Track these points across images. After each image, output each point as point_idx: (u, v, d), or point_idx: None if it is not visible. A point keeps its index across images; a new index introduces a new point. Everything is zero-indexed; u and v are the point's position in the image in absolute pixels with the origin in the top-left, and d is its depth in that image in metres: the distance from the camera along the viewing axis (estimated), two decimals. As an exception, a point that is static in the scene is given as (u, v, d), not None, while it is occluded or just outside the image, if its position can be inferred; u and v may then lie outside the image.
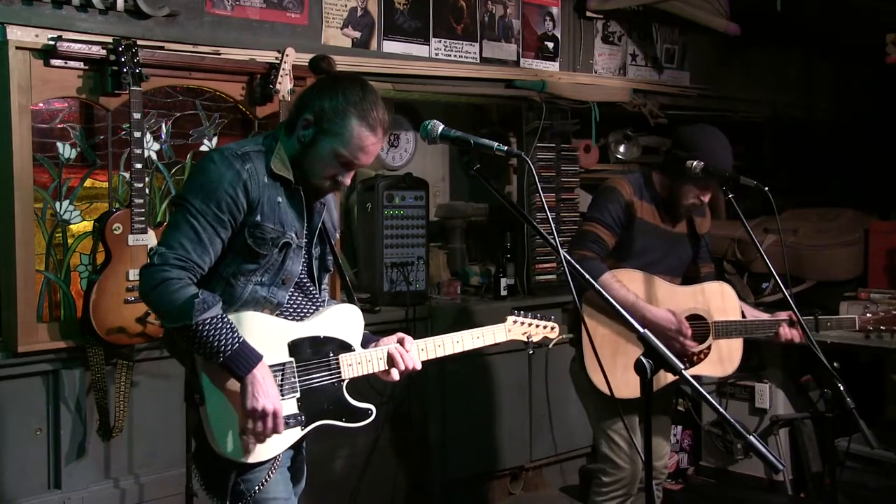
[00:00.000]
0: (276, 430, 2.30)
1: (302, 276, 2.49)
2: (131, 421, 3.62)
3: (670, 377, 3.26)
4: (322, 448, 4.10)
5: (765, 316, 3.42)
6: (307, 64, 2.59)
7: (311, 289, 2.52)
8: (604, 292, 2.12)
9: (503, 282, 4.81)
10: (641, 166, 5.17)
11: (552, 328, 2.83)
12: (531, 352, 2.83)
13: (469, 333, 2.68)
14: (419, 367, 2.57)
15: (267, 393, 2.27)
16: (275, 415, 2.28)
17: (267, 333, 2.37)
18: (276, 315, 2.43)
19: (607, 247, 3.27)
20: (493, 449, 4.62)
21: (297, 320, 2.47)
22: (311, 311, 2.51)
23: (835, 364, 3.03)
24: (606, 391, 3.26)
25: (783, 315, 3.35)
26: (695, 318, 3.35)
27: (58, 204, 3.57)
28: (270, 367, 2.34)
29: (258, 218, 2.34)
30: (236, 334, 2.27)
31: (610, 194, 3.35)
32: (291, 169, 2.41)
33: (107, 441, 3.54)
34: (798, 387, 4.47)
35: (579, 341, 3.38)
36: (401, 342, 2.57)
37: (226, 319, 2.28)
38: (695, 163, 3.24)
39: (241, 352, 2.26)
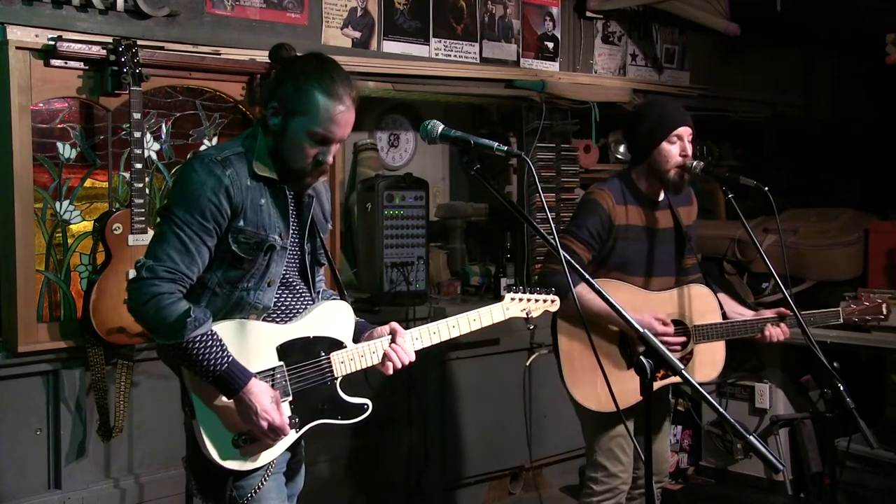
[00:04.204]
0: (279, 438, 2.32)
1: (289, 275, 2.46)
2: (131, 421, 3.62)
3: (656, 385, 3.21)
4: (322, 448, 4.10)
5: (749, 314, 3.32)
6: (267, 55, 2.53)
7: (300, 287, 2.49)
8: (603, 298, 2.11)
9: (503, 282, 4.81)
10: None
11: (552, 301, 2.74)
12: (531, 327, 2.73)
13: (465, 316, 2.61)
14: (413, 358, 2.52)
15: (259, 411, 2.26)
16: (273, 429, 2.28)
17: (253, 340, 2.35)
18: (264, 318, 2.40)
19: (581, 261, 3.15)
20: (493, 449, 4.62)
21: (286, 321, 2.44)
22: (300, 310, 2.48)
23: (835, 364, 3.02)
24: (589, 405, 3.20)
25: (768, 313, 3.28)
26: (674, 324, 3.24)
27: (58, 204, 3.57)
28: (260, 373, 2.33)
29: (241, 223, 2.32)
30: (225, 352, 2.26)
31: (589, 207, 3.24)
32: (273, 164, 2.37)
33: (107, 441, 3.54)
34: (798, 387, 4.48)
35: (557, 355, 3.28)
36: (393, 333, 2.51)
37: (215, 337, 2.26)
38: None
39: (229, 371, 2.25)
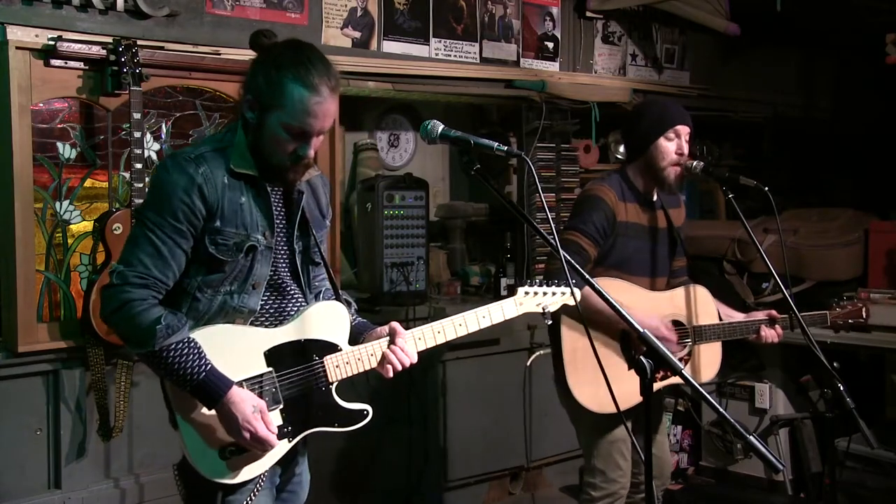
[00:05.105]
0: (266, 449, 2.21)
1: (279, 276, 2.32)
2: (131, 421, 3.61)
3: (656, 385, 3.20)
4: (321, 448, 4.10)
5: (740, 316, 3.33)
6: (248, 42, 2.40)
7: (291, 288, 2.35)
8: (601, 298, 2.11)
9: (503, 282, 4.81)
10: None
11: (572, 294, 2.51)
12: (549, 322, 2.56)
13: (473, 313, 2.43)
14: (415, 360, 2.37)
15: (240, 421, 2.15)
16: (257, 439, 2.17)
17: (239, 346, 2.23)
18: (251, 322, 2.28)
19: (588, 257, 3.11)
20: (493, 449, 4.62)
21: (276, 325, 2.31)
22: (292, 312, 2.34)
23: (835, 364, 3.02)
24: (591, 407, 3.14)
25: (760, 315, 3.30)
26: (674, 325, 3.23)
27: (58, 204, 3.57)
28: (247, 380, 2.22)
29: (218, 223, 2.20)
30: (203, 361, 2.15)
31: (593, 202, 3.18)
32: (253, 160, 2.25)
33: (107, 441, 3.54)
34: (798, 387, 4.48)
35: (559, 356, 3.19)
36: (392, 334, 2.37)
37: (192, 344, 2.15)
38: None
39: (207, 381, 2.14)
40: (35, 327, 3.42)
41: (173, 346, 2.13)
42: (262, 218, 2.27)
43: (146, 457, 3.69)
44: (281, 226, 2.32)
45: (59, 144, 3.58)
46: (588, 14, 5.27)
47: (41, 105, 3.52)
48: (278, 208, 2.32)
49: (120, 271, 2.17)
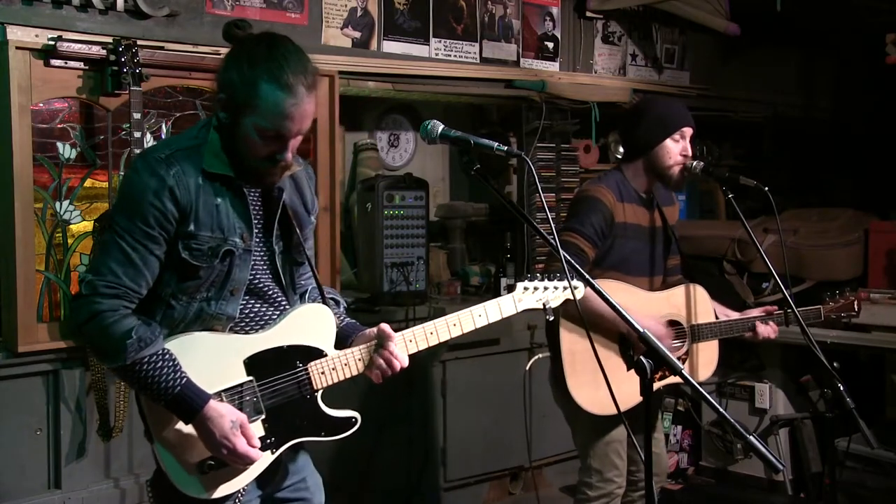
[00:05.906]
0: (248, 464, 2.13)
1: (259, 279, 2.21)
2: (131, 421, 3.61)
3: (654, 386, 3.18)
4: (320, 448, 4.09)
5: (735, 315, 3.34)
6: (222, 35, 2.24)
7: (272, 292, 2.24)
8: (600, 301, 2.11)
9: (503, 282, 4.81)
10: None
11: (575, 288, 2.40)
12: (550, 318, 2.47)
13: (468, 312, 2.32)
14: (406, 364, 2.27)
15: (217, 437, 2.06)
16: (236, 455, 2.08)
17: (217, 354, 2.13)
18: (231, 329, 2.17)
19: (587, 259, 3.09)
20: (493, 449, 4.62)
21: (257, 331, 2.20)
22: (274, 316, 2.23)
23: (835, 364, 3.02)
24: (591, 410, 3.13)
25: (755, 312, 3.31)
26: (671, 324, 3.23)
27: (58, 204, 3.57)
28: (226, 391, 2.13)
29: (191, 227, 2.08)
30: (178, 374, 2.05)
31: (591, 204, 3.15)
32: (228, 159, 2.13)
33: (107, 441, 3.53)
34: (798, 387, 4.48)
35: (557, 358, 3.16)
36: (381, 337, 2.26)
37: (167, 357, 2.05)
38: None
39: (183, 395, 2.03)
40: (35, 327, 3.42)
41: (146, 360, 2.03)
42: (239, 220, 2.16)
43: (146, 457, 3.69)
44: (259, 226, 2.21)
45: (59, 144, 3.57)
46: (588, 14, 5.27)
47: (41, 105, 3.52)
48: (256, 208, 2.21)
49: (89, 280, 2.06)
